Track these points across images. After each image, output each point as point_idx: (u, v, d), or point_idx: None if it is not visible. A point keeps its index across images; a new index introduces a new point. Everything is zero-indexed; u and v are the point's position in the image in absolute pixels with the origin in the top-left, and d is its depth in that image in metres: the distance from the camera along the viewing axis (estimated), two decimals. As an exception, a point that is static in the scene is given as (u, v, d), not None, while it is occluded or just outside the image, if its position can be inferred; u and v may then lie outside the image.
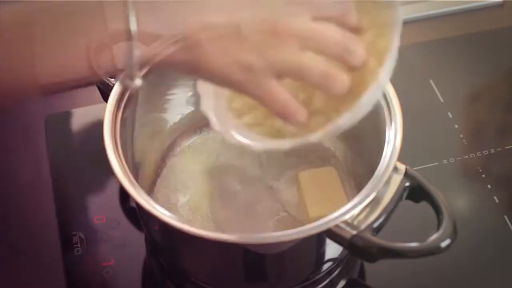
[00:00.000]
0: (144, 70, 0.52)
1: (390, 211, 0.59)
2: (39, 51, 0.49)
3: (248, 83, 0.51)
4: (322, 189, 0.69)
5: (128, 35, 0.48)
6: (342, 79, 0.52)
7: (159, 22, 0.50)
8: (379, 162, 0.60)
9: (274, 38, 0.50)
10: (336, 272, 0.68)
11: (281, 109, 0.52)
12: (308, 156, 0.74)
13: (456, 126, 0.82)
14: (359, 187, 0.70)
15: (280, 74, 0.51)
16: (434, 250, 0.56)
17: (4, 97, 0.51)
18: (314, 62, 0.51)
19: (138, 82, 0.51)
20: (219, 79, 0.51)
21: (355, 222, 0.57)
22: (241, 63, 0.50)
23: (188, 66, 0.51)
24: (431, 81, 0.86)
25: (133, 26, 0.48)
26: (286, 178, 0.73)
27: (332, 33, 0.51)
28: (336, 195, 0.68)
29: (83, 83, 0.52)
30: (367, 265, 0.71)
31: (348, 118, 0.54)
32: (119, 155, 0.60)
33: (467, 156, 0.79)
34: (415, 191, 0.60)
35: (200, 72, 0.51)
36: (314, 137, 0.54)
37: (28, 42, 0.49)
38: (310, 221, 0.66)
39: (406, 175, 0.60)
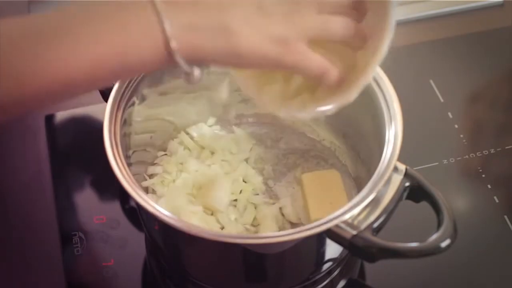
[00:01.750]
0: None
1: (390, 211, 0.59)
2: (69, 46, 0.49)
3: (284, 53, 0.53)
4: (325, 192, 0.69)
5: (164, 34, 0.50)
6: (361, 28, 0.56)
7: (189, 17, 0.51)
8: (379, 162, 0.60)
9: (294, 7, 0.53)
10: (336, 272, 0.68)
11: (318, 70, 0.55)
12: (308, 156, 0.75)
13: (456, 126, 0.82)
14: (359, 187, 0.70)
15: (310, 36, 0.54)
16: (434, 250, 0.56)
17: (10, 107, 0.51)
18: (335, 18, 0.54)
19: (196, 73, 0.53)
20: (257, 58, 0.53)
21: (355, 222, 0.57)
22: (274, 36, 0.52)
23: (225, 54, 0.52)
24: (431, 81, 0.86)
25: (167, 23, 0.50)
26: (287, 180, 0.73)
27: None
28: (338, 198, 0.68)
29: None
30: (367, 265, 0.71)
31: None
32: (119, 155, 0.60)
33: (467, 156, 0.79)
34: (415, 191, 0.60)
35: (238, 57, 0.52)
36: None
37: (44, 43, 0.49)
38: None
39: (406, 175, 0.60)
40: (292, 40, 0.53)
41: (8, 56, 0.48)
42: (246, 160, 0.74)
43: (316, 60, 0.54)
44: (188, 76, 0.53)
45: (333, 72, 0.55)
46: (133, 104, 0.66)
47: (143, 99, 0.68)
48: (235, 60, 0.53)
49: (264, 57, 0.53)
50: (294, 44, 0.53)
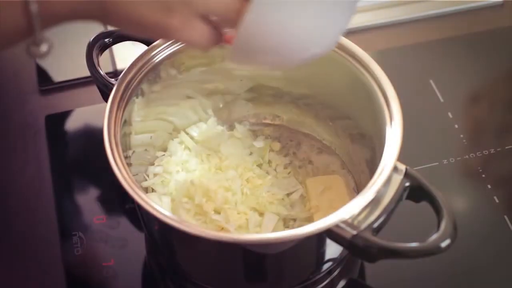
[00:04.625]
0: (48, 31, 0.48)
1: (390, 211, 0.59)
2: None
3: (168, 26, 0.48)
4: (328, 196, 0.69)
5: None
6: None
7: None
8: (379, 162, 0.60)
9: None
10: (336, 272, 0.68)
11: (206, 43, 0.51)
12: (308, 155, 0.75)
13: (456, 126, 0.82)
14: (359, 187, 0.70)
15: (204, 12, 0.49)
16: (434, 250, 0.56)
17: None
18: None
19: (44, 47, 0.49)
20: (134, 23, 0.48)
21: (355, 222, 0.57)
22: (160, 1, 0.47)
23: (97, 12, 0.47)
24: (431, 81, 0.86)
25: None
26: (288, 179, 0.73)
27: None
28: (341, 203, 0.68)
29: None
30: (367, 265, 0.71)
31: None
32: (119, 155, 0.60)
33: (467, 156, 0.79)
34: (415, 191, 0.60)
35: (113, 17, 0.48)
36: None
37: None
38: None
39: (406, 175, 0.60)
40: (179, 10, 0.47)
41: None
42: (248, 158, 0.73)
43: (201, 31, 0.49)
44: (35, 47, 0.48)
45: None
46: (133, 104, 0.66)
47: (143, 99, 0.68)
48: (109, 19, 0.48)
49: (144, 20, 0.47)
50: (182, 15, 0.47)
